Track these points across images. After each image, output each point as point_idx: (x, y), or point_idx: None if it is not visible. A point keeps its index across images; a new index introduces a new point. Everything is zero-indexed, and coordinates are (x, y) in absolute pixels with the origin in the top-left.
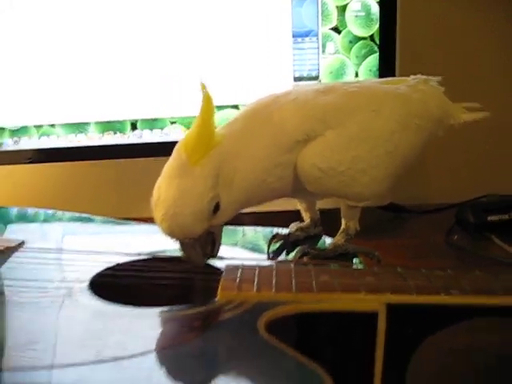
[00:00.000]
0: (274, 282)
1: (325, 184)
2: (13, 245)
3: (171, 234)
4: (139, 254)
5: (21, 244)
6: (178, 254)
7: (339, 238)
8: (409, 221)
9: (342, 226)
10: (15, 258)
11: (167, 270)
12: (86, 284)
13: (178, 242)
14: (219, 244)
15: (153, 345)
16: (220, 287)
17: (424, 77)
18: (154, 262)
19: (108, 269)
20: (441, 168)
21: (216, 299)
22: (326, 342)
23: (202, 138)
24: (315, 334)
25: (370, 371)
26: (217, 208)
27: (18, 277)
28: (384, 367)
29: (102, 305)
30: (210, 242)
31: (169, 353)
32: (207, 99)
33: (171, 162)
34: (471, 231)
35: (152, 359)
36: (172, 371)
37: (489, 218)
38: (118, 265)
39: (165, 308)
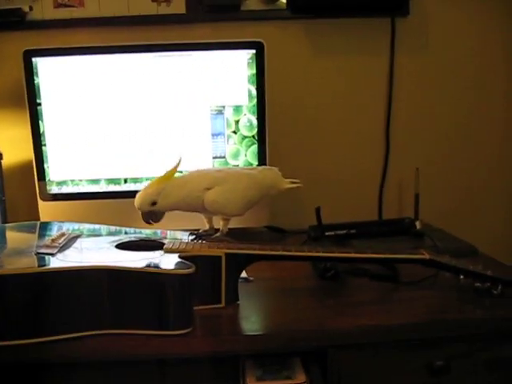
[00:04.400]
0: (185, 246)
1: (213, 206)
2: (76, 234)
3: (138, 207)
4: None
5: (79, 235)
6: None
7: (218, 234)
8: (287, 237)
9: (220, 228)
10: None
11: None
12: (114, 244)
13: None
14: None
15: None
16: (164, 246)
17: (269, 167)
18: (139, 241)
19: (121, 242)
20: (310, 207)
21: (163, 250)
22: (201, 267)
23: (164, 178)
24: (196, 262)
25: (218, 286)
26: (154, 204)
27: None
28: (226, 282)
29: (118, 250)
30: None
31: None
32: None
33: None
34: (312, 240)
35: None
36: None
37: (326, 233)
38: (123, 241)
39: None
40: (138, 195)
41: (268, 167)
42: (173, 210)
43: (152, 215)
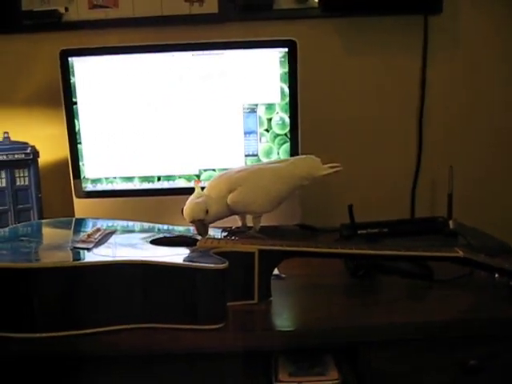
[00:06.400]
0: (218, 242)
1: (237, 207)
2: (111, 230)
3: (192, 215)
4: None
5: (114, 231)
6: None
7: (251, 231)
8: (319, 236)
9: (253, 226)
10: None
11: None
12: (148, 240)
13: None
14: (207, 231)
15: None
16: (198, 242)
17: (304, 156)
18: (172, 238)
19: (155, 238)
20: (342, 205)
21: (196, 246)
22: (234, 263)
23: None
24: (230, 258)
25: (251, 282)
26: (207, 212)
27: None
28: (259, 278)
29: (152, 246)
30: (203, 226)
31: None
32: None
33: (192, 197)
34: (344, 239)
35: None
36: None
37: (358, 232)
38: (157, 238)
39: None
40: (186, 209)
41: (303, 156)
42: (218, 219)
43: (203, 226)
